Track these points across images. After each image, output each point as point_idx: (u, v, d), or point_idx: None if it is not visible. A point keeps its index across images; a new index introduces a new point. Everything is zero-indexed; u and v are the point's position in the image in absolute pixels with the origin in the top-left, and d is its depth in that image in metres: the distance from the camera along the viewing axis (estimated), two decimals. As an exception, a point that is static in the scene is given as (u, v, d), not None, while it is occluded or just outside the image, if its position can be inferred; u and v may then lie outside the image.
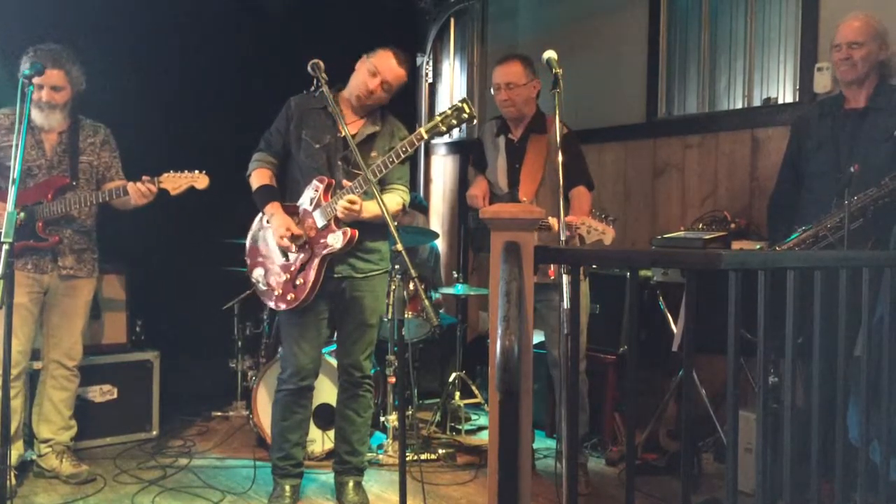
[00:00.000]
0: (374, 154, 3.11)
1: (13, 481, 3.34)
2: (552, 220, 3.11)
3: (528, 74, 3.44)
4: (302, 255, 3.09)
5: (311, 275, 3.05)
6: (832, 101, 3.25)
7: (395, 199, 3.16)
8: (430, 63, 6.05)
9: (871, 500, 2.21)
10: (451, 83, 6.08)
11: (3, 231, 2.56)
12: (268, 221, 3.16)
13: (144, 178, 3.31)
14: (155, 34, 4.54)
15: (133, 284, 4.19)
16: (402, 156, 2.93)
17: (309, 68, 2.98)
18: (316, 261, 3.06)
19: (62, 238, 3.44)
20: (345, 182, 3.05)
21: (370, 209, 3.01)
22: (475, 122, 2.98)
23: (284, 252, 3.13)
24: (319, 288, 3.08)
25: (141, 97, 4.36)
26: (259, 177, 3.20)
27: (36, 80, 3.24)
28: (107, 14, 4.34)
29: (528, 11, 5.48)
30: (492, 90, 3.53)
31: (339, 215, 2.98)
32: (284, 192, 3.23)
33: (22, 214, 2.95)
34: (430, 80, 6.05)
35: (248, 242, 3.29)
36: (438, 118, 2.89)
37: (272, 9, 4.88)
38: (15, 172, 2.67)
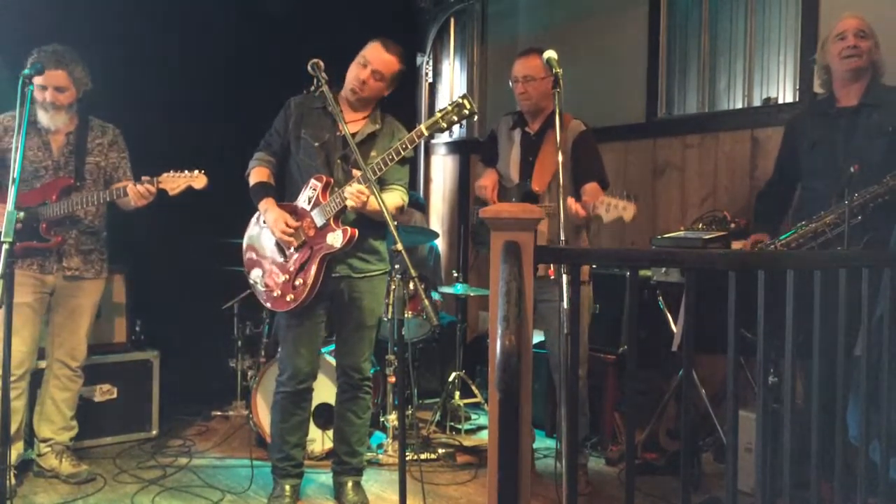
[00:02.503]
0: (373, 153, 3.09)
1: (13, 481, 3.33)
2: (570, 200, 3.07)
3: (547, 69, 3.41)
4: (300, 255, 3.07)
5: (311, 275, 3.03)
6: (825, 100, 3.26)
7: (395, 198, 3.14)
8: (430, 63, 6.05)
9: (870, 500, 2.21)
10: (450, 83, 6.07)
11: (3, 231, 2.56)
12: (264, 221, 3.15)
13: (144, 178, 3.31)
14: (155, 34, 4.54)
15: (133, 284, 4.19)
16: (402, 153, 2.92)
17: (309, 68, 2.98)
18: (315, 260, 3.04)
19: (67, 239, 3.45)
20: (355, 172, 3.00)
21: (372, 203, 2.99)
22: (476, 117, 2.96)
23: (282, 251, 3.12)
24: (319, 288, 3.07)
25: (140, 97, 4.35)
26: (256, 175, 3.20)
27: (39, 80, 3.29)
28: (107, 14, 4.34)
29: (528, 11, 5.48)
30: (510, 82, 3.53)
31: (349, 202, 2.92)
32: (284, 191, 3.22)
33: (21, 214, 2.94)
34: (430, 80, 6.05)
35: (244, 243, 3.28)
36: (439, 114, 2.86)
37: (272, 8, 4.88)
38: (15, 172, 2.66)
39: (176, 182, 3.28)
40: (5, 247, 2.51)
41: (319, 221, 3.04)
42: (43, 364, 3.60)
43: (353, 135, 3.08)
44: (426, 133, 2.89)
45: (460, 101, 2.86)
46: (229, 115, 4.54)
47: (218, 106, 4.64)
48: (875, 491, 2.23)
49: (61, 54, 3.36)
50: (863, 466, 2.16)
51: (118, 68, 4.27)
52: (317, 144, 3.13)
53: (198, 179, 3.28)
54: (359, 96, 3.12)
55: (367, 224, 3.09)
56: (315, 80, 2.98)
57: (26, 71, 2.93)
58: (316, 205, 3.06)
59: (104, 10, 4.33)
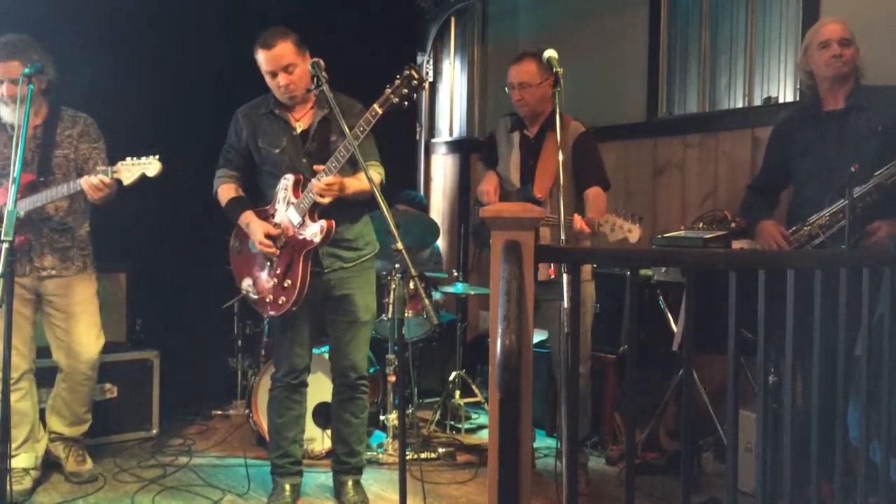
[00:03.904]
0: (333, 138, 3.06)
1: (29, 485, 3.31)
2: (576, 217, 3.08)
3: (543, 74, 3.40)
4: (285, 257, 3.06)
5: (298, 274, 3.02)
6: (811, 105, 3.24)
7: (373, 174, 2.99)
8: (431, 63, 6.04)
9: (870, 500, 2.21)
10: (451, 83, 6.07)
11: (3, 230, 2.55)
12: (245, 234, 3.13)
13: (98, 169, 3.15)
14: (154, 30, 4.54)
15: (133, 283, 4.18)
16: (361, 136, 2.85)
17: (309, 67, 2.98)
18: (300, 259, 3.02)
19: (37, 237, 3.29)
20: (316, 167, 2.97)
21: (353, 185, 2.99)
22: (425, 85, 2.90)
23: (268, 257, 3.10)
24: (309, 286, 3.05)
25: (139, 95, 4.36)
26: (225, 192, 3.18)
27: None
28: (103, 11, 4.34)
29: (528, 11, 5.48)
30: (506, 89, 3.53)
31: (318, 197, 2.92)
32: (257, 201, 3.20)
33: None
34: (431, 80, 6.05)
35: (230, 256, 3.26)
36: (389, 90, 2.81)
37: (272, 7, 4.88)
38: (15, 172, 2.66)
39: (130, 171, 3.09)
40: (5, 246, 2.50)
41: (296, 220, 3.03)
42: (44, 363, 3.53)
43: (306, 129, 3.10)
44: (380, 112, 2.82)
45: (408, 72, 2.80)
46: (228, 113, 4.54)
47: (217, 104, 4.61)
48: (875, 491, 2.24)
49: (13, 44, 3.16)
50: (863, 466, 2.16)
51: (116, 68, 4.28)
52: (277, 151, 3.11)
53: (151, 166, 3.08)
54: (295, 95, 3.07)
55: (342, 214, 3.05)
56: (315, 80, 2.97)
57: (26, 70, 2.92)
58: (290, 204, 3.05)
59: (104, 9, 4.33)
